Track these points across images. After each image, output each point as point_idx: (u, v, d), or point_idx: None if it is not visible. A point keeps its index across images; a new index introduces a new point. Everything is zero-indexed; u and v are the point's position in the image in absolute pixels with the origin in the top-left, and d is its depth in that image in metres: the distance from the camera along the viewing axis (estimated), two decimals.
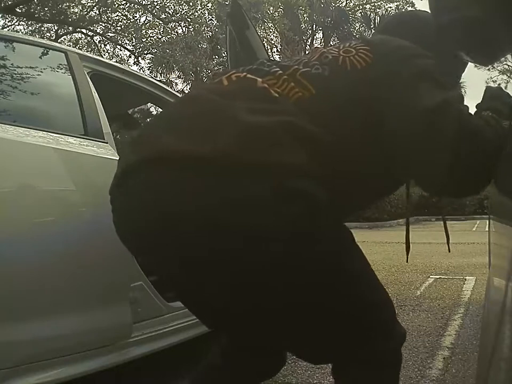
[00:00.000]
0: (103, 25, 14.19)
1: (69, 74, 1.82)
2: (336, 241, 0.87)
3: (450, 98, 0.86)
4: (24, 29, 14.06)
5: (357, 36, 17.67)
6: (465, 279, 4.58)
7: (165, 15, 13.78)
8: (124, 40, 14.51)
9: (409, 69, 0.89)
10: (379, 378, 0.95)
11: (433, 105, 0.84)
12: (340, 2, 17.49)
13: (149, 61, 15.96)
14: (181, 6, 13.83)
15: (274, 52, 18.54)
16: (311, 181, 0.80)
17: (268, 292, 0.83)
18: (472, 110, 0.95)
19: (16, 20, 13.61)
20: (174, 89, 13.08)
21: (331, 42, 19.22)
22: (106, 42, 15.29)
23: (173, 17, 13.82)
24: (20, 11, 12.60)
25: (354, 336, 0.93)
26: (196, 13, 13.80)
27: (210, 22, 14.61)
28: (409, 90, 0.87)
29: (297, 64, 0.97)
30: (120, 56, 15.72)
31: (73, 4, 13.62)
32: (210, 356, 1.20)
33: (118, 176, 0.94)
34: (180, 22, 14.14)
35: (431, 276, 4.79)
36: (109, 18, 14.03)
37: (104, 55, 14.93)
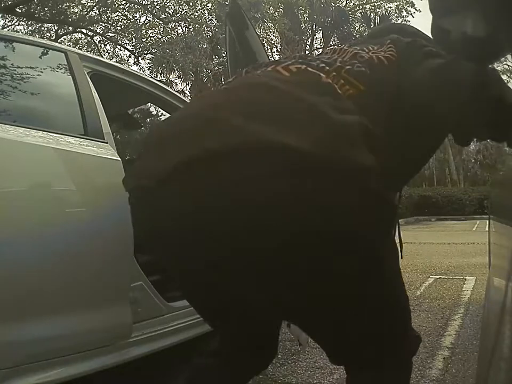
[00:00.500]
0: (103, 25, 14.19)
1: (69, 74, 1.82)
2: (394, 242, 0.93)
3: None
4: (24, 29, 14.07)
5: (357, 36, 17.68)
6: (465, 279, 4.58)
7: (165, 15, 13.78)
8: (124, 40, 14.51)
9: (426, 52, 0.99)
10: (396, 380, 0.99)
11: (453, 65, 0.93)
12: (340, 2, 17.49)
13: (149, 61, 15.97)
14: (181, 6, 13.83)
15: (274, 52, 18.55)
16: (384, 182, 0.79)
17: (343, 294, 0.85)
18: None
19: (16, 20, 13.61)
20: (174, 89, 13.10)
21: (331, 42, 19.23)
22: (106, 42, 15.29)
23: (173, 17, 13.82)
24: (20, 11, 12.60)
25: (383, 338, 0.95)
26: (196, 13, 13.80)
27: (210, 22, 14.62)
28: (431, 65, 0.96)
29: (338, 61, 0.98)
30: (120, 56, 15.74)
31: (73, 4, 13.61)
32: (200, 355, 1.20)
33: (163, 170, 0.82)
34: (179, 22, 14.13)
35: (431, 276, 4.80)
36: (109, 18, 14.02)
37: (104, 55, 14.93)
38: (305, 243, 0.77)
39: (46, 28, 14.58)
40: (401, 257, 1.54)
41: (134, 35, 13.81)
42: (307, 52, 19.16)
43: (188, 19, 13.66)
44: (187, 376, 1.19)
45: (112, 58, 14.81)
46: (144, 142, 1.00)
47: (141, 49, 14.34)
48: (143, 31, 14.01)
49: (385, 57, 1.01)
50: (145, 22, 14.37)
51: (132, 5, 13.65)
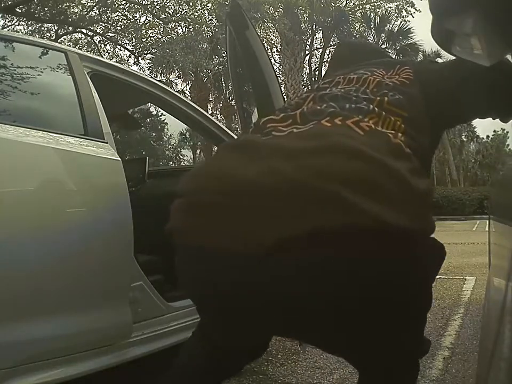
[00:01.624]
0: (103, 25, 14.18)
1: (69, 74, 1.81)
2: None
3: None
4: (24, 29, 14.06)
5: (357, 36, 17.68)
6: (465, 279, 4.58)
7: (165, 15, 13.76)
8: (124, 40, 14.50)
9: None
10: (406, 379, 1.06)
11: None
12: (340, 2, 17.46)
13: (149, 61, 15.98)
14: (181, 6, 13.81)
15: (274, 52, 18.55)
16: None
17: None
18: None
19: (16, 20, 13.60)
20: (174, 89, 13.10)
21: (331, 42, 19.22)
22: (106, 42, 15.28)
23: (173, 17, 13.80)
24: (20, 11, 12.59)
25: (404, 346, 1.00)
26: (196, 13, 13.77)
27: (210, 22, 14.59)
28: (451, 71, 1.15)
29: (371, 94, 1.07)
30: (120, 56, 15.72)
31: (73, 4, 13.60)
32: (183, 356, 1.21)
33: (271, 240, 0.80)
34: (179, 22, 14.11)
35: None
36: (109, 18, 14.01)
37: (104, 55, 14.91)
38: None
39: (46, 28, 14.58)
40: None
41: (134, 35, 13.80)
42: (307, 52, 19.18)
43: (188, 19, 13.64)
44: (170, 374, 1.20)
45: (112, 58, 14.80)
46: (195, 188, 0.93)
47: (141, 49, 14.33)
48: (143, 31, 13.99)
49: (405, 79, 1.13)
50: (145, 22, 14.36)
51: (132, 5, 13.64)
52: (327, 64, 1.41)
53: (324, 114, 0.96)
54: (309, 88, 1.40)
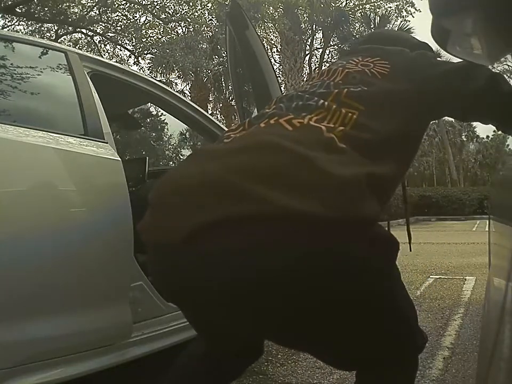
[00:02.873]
0: (103, 25, 14.19)
1: (69, 74, 1.82)
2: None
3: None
4: (24, 29, 14.07)
5: (357, 36, 17.67)
6: (465, 279, 4.58)
7: (165, 15, 13.77)
8: (124, 40, 14.51)
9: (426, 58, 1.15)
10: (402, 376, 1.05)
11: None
12: (340, 2, 17.47)
13: (149, 61, 15.98)
14: (181, 6, 13.81)
15: (274, 52, 18.55)
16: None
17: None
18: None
19: (16, 20, 13.61)
20: (174, 89, 13.10)
21: (331, 42, 19.23)
22: (106, 42, 15.29)
23: (173, 17, 13.81)
24: (20, 11, 12.60)
25: (390, 341, 1.00)
26: (196, 13, 13.78)
27: (210, 22, 14.61)
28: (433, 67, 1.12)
29: (333, 87, 1.07)
30: (120, 56, 15.74)
31: (73, 4, 13.61)
32: (182, 357, 1.23)
33: (187, 229, 0.87)
34: (180, 22, 14.12)
35: (431, 276, 4.80)
36: (109, 18, 14.02)
37: (104, 55, 14.93)
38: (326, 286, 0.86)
39: (46, 28, 14.59)
40: (410, 250, 1.64)
41: (134, 35, 13.82)
42: (307, 52, 19.18)
43: (188, 19, 13.65)
44: (169, 376, 1.21)
45: (112, 58, 14.82)
46: (157, 192, 1.01)
47: (141, 49, 14.34)
48: (143, 31, 14.00)
49: (378, 71, 1.11)
50: (145, 22, 14.37)
51: (132, 5, 13.65)
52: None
53: (264, 117, 1.02)
54: None
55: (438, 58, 1.18)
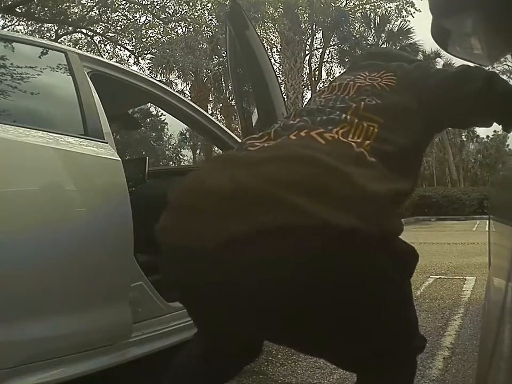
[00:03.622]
0: (103, 25, 14.17)
1: (69, 74, 1.82)
2: None
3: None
4: (24, 29, 14.05)
5: (357, 36, 17.68)
6: (465, 279, 4.58)
7: (165, 15, 13.76)
8: (124, 40, 14.49)
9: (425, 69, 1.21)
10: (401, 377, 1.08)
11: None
12: (340, 3, 17.45)
13: (149, 61, 15.96)
14: (181, 6, 13.80)
15: (274, 52, 18.54)
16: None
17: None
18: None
19: (16, 20, 13.60)
20: (174, 89, 13.09)
21: (331, 42, 19.22)
22: (106, 42, 15.27)
23: (173, 17, 13.80)
24: (20, 11, 12.58)
25: (393, 346, 1.03)
26: (196, 13, 13.76)
27: (210, 22, 14.59)
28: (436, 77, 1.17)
29: (349, 101, 1.11)
30: (120, 56, 15.72)
31: (73, 4, 13.60)
32: (181, 357, 1.25)
33: (220, 236, 0.89)
34: (180, 22, 14.10)
35: (431, 276, 4.79)
36: (109, 18, 14.01)
37: (104, 55, 14.91)
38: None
39: (46, 28, 14.58)
40: None
41: (134, 35, 13.80)
42: (307, 52, 19.18)
43: (188, 19, 13.64)
44: (169, 377, 1.22)
45: (112, 58, 14.80)
46: (181, 194, 1.03)
47: (141, 49, 14.32)
48: (143, 31, 13.98)
49: (386, 84, 1.16)
50: (145, 22, 14.35)
51: (132, 5, 13.64)
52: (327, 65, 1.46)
53: (293, 128, 1.04)
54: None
55: (437, 67, 1.28)
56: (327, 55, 19.94)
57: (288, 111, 1.98)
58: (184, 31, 14.52)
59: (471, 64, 1.14)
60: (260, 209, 0.86)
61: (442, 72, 1.19)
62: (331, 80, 1.36)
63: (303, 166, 0.90)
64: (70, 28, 14.53)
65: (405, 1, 16.73)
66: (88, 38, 15.35)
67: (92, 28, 14.33)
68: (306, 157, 0.91)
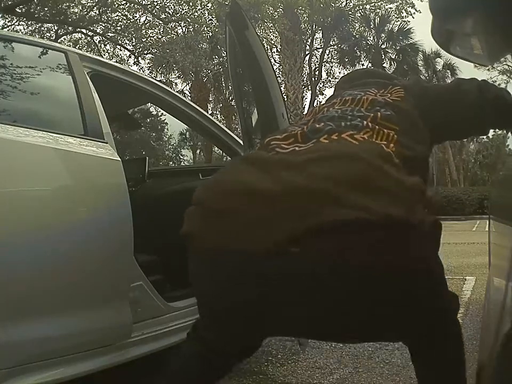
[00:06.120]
0: (103, 25, 14.17)
1: (69, 74, 1.81)
2: None
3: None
4: (24, 29, 14.06)
5: (356, 36, 17.69)
6: (465, 279, 4.57)
7: (165, 15, 13.75)
8: (124, 40, 14.48)
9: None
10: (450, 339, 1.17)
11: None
12: (340, 3, 17.46)
13: (149, 61, 15.97)
14: (181, 6, 13.80)
15: (274, 52, 18.54)
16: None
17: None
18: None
19: (16, 19, 13.60)
20: (174, 89, 13.09)
21: (331, 42, 19.22)
22: (106, 42, 15.27)
23: (173, 17, 13.79)
24: (20, 11, 12.59)
25: (431, 313, 1.07)
26: (196, 13, 13.76)
27: (210, 22, 14.59)
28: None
29: (366, 111, 1.17)
30: (120, 56, 15.72)
31: (73, 4, 13.60)
32: (179, 358, 1.24)
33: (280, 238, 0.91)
34: (180, 22, 14.10)
35: None
36: (109, 18, 14.00)
37: (104, 55, 14.90)
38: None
39: (46, 28, 14.58)
40: None
41: (134, 35, 13.80)
42: (307, 52, 19.18)
43: (188, 19, 13.63)
44: (168, 377, 1.23)
45: (112, 58, 14.80)
46: (215, 197, 1.02)
47: (141, 49, 14.32)
48: (143, 31, 13.98)
49: (397, 96, 1.25)
50: (145, 22, 14.35)
51: (132, 5, 13.64)
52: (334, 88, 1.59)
53: (322, 132, 1.09)
54: (309, 109, 1.56)
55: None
56: (327, 55, 19.95)
57: (288, 111, 1.98)
58: (184, 31, 14.53)
59: (464, 77, 1.33)
60: (322, 207, 0.90)
61: (438, 86, 1.36)
62: (331, 96, 1.45)
63: (349, 164, 0.95)
64: (70, 28, 14.54)
65: (405, 2, 16.74)
66: (88, 38, 15.35)
67: (92, 28, 14.33)
68: (350, 155, 0.97)
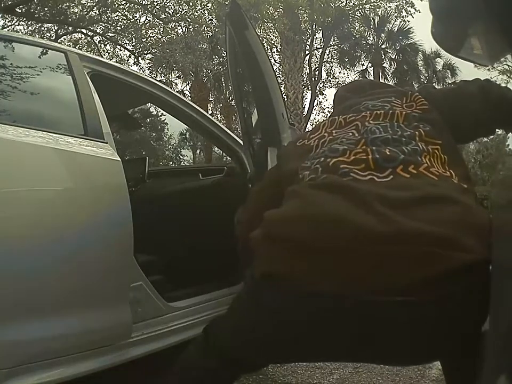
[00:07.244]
0: (103, 25, 14.15)
1: (69, 74, 1.81)
2: None
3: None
4: (24, 29, 14.03)
5: (356, 36, 17.68)
6: None
7: (165, 15, 13.74)
8: (124, 40, 14.47)
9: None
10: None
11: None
12: (340, 2, 17.43)
13: (149, 61, 15.95)
14: (181, 6, 13.78)
15: (274, 52, 18.53)
16: None
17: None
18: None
19: (16, 19, 13.59)
20: (174, 89, 13.09)
21: (331, 42, 19.21)
22: (106, 42, 15.26)
23: (173, 17, 13.78)
24: (20, 11, 12.57)
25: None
26: (196, 13, 13.75)
27: (210, 22, 14.58)
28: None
29: (407, 128, 1.14)
30: (120, 56, 15.69)
31: (73, 4, 13.58)
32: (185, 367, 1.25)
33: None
34: (179, 22, 14.09)
35: None
36: (109, 18, 13.99)
37: (104, 55, 14.89)
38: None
39: (46, 28, 14.56)
40: None
41: (134, 35, 13.78)
42: (307, 52, 19.17)
43: (188, 19, 13.62)
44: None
45: (112, 58, 14.78)
46: (321, 236, 0.93)
47: (141, 49, 14.31)
48: (143, 31, 13.96)
49: (423, 107, 1.22)
50: (145, 22, 14.34)
51: (132, 5, 13.63)
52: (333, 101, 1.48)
53: (397, 161, 1.03)
54: (330, 117, 1.36)
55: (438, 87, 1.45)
56: (327, 55, 19.92)
57: (288, 111, 1.98)
58: (184, 31, 14.51)
59: (468, 79, 1.32)
60: (442, 252, 0.88)
61: (445, 90, 1.36)
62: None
63: (449, 206, 0.95)
64: (70, 28, 14.52)
65: (404, 2, 16.74)
66: (88, 38, 15.34)
67: (92, 28, 14.32)
68: (444, 197, 0.97)
